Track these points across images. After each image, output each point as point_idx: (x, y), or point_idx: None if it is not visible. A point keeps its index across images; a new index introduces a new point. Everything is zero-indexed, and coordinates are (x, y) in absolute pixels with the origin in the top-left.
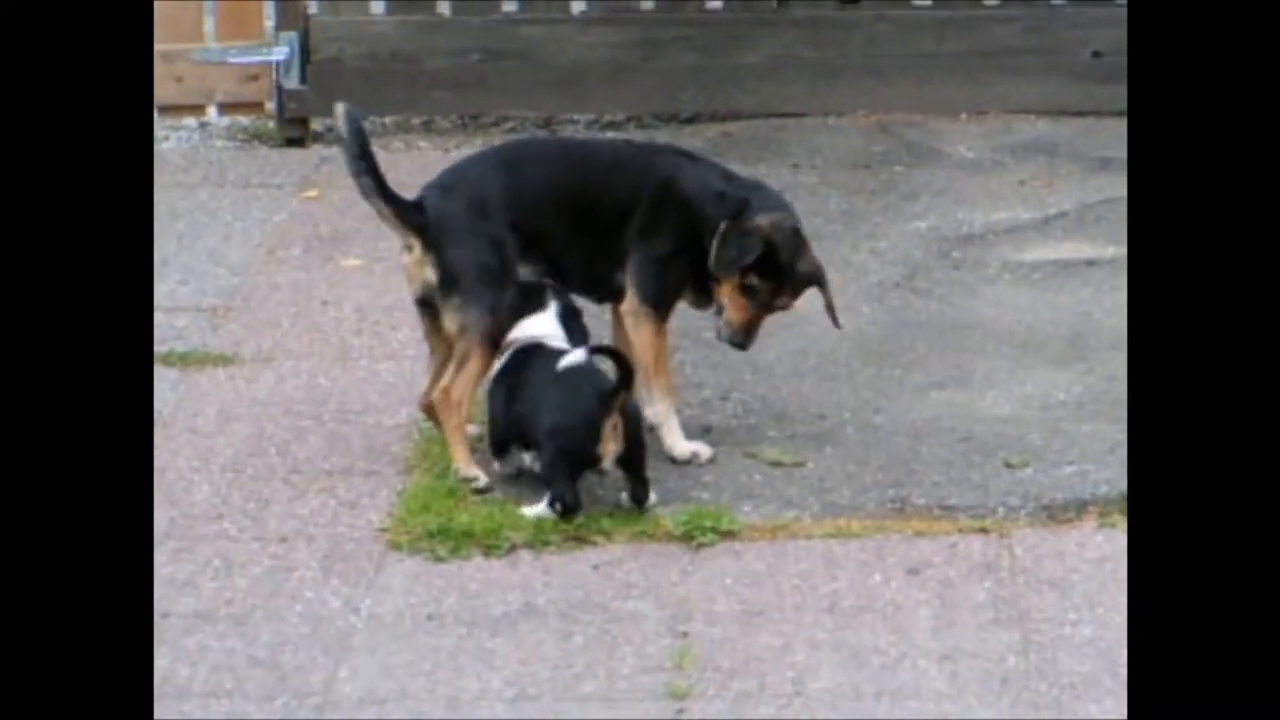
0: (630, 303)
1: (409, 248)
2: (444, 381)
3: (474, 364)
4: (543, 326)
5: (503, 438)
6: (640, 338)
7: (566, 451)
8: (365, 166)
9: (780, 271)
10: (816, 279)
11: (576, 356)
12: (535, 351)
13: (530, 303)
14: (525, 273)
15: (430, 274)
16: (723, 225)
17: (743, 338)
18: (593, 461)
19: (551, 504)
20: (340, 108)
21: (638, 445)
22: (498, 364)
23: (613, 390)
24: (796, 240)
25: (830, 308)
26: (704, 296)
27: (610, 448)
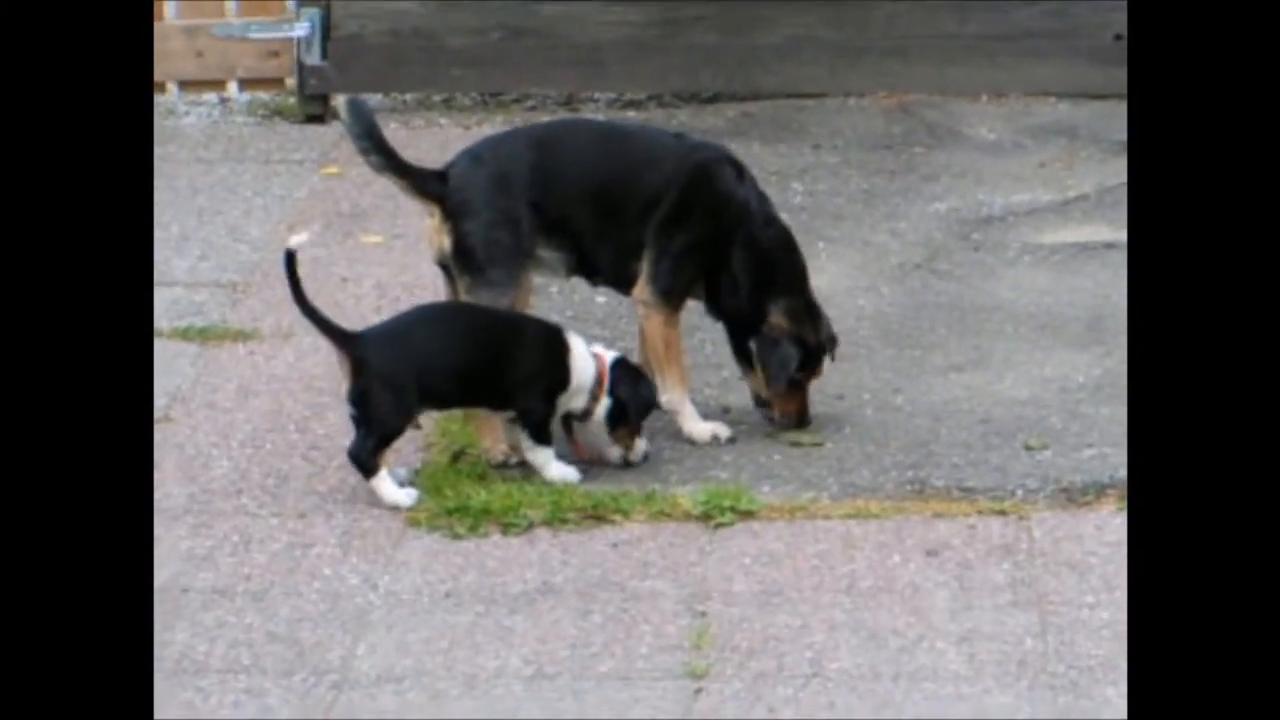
0: (642, 292)
1: (430, 214)
2: None
3: None
4: None
5: None
6: (650, 326)
7: None
8: (370, 145)
9: (815, 356)
10: (828, 340)
11: None
12: None
13: None
14: (549, 256)
15: (446, 242)
16: (752, 343)
17: (798, 420)
18: None
19: None
20: (342, 99)
21: (366, 393)
22: None
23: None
24: (811, 323)
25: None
26: (712, 299)
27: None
